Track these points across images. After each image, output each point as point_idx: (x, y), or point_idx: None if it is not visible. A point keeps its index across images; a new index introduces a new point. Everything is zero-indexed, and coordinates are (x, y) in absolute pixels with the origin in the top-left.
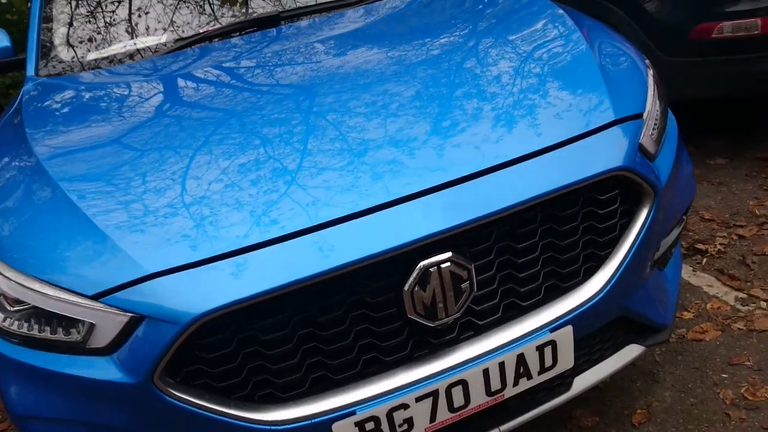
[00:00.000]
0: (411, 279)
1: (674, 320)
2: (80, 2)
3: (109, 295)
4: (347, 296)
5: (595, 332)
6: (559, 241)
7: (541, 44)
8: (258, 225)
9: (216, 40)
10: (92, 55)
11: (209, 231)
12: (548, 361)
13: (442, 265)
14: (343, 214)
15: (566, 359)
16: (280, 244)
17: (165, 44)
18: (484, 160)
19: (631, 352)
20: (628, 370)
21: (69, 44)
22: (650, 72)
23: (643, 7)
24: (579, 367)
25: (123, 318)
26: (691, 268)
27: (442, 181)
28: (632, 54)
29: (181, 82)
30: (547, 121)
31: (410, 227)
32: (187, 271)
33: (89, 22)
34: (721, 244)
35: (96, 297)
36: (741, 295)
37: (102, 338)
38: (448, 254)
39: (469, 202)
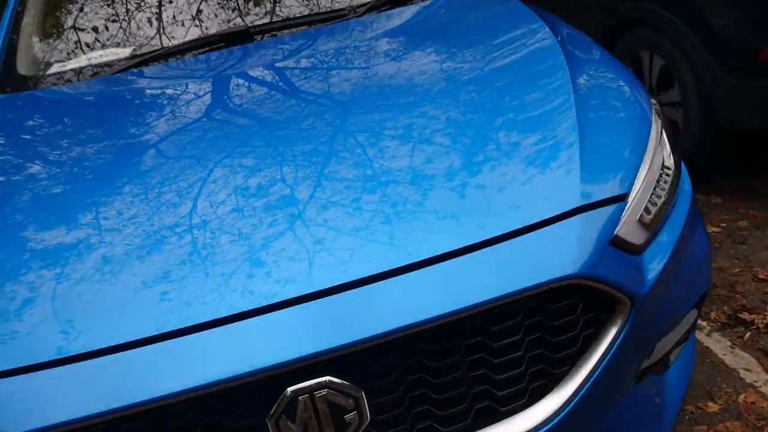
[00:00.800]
0: (275, 407)
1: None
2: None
3: None
4: (200, 418)
5: None
6: (493, 358)
7: (502, 89)
8: (95, 332)
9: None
10: (54, 69)
11: (41, 334)
12: None
13: (316, 393)
14: (185, 326)
15: None
16: (114, 355)
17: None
18: (380, 263)
19: None
20: None
21: (24, 59)
22: (655, 121)
23: (707, 20)
24: None
25: None
26: (729, 343)
27: (317, 289)
28: (634, 98)
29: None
30: (480, 208)
31: (272, 347)
32: None
33: (49, 36)
34: None
35: None
36: None
37: None
38: (324, 379)
39: (356, 316)
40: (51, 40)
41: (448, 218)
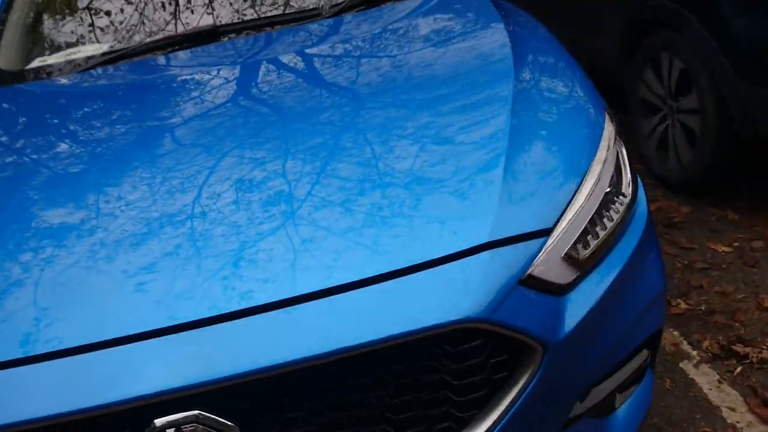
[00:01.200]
0: None
1: None
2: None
3: None
4: None
5: None
6: (388, 399)
7: (433, 99)
8: None
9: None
10: (35, 64)
11: None
12: None
13: (185, 428)
14: (56, 349)
15: None
16: None
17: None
18: (259, 296)
19: None
20: None
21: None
22: (606, 138)
23: (727, 21)
24: None
25: None
26: (717, 377)
27: (187, 320)
28: (592, 115)
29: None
30: (372, 242)
31: (134, 378)
32: None
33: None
34: None
35: None
36: None
37: None
38: (193, 413)
39: (222, 351)
40: (31, 37)
41: (329, 252)
